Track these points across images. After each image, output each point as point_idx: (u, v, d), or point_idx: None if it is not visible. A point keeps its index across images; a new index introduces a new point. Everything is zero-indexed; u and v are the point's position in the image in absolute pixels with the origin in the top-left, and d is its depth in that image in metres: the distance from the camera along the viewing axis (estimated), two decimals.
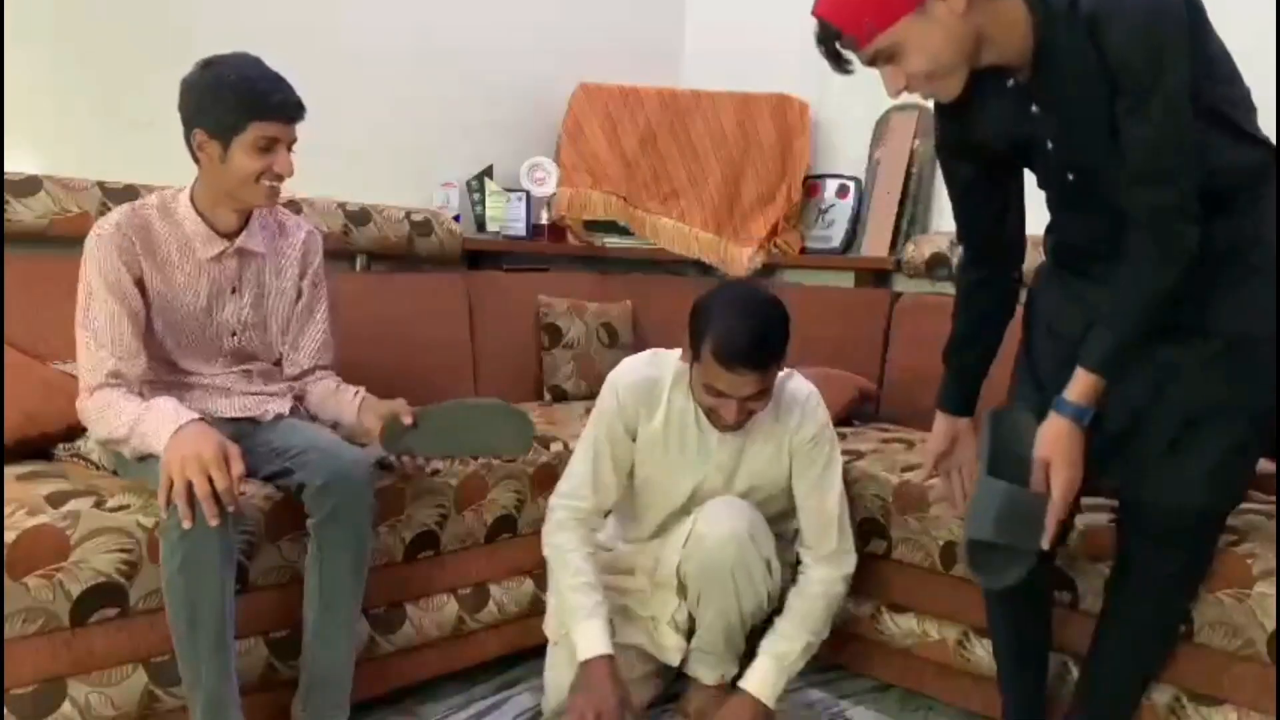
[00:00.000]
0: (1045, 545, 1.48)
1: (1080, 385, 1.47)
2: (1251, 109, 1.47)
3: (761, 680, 1.88)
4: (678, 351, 1.86)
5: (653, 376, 1.90)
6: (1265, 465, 1.87)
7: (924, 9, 1.35)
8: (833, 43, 1.41)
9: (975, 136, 1.58)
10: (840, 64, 1.44)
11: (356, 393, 1.96)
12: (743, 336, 1.67)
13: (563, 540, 1.92)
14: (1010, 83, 1.50)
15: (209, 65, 1.72)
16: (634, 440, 1.91)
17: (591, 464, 1.92)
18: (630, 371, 1.92)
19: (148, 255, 1.76)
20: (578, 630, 1.84)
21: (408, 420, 1.85)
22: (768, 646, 1.90)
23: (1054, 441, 1.48)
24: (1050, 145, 1.52)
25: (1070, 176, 1.53)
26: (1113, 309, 1.46)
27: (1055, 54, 1.42)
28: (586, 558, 1.90)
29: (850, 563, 1.95)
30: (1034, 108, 1.50)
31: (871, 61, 1.42)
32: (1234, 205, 1.45)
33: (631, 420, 1.90)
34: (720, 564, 1.85)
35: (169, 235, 1.80)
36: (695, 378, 1.78)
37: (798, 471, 1.92)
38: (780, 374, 1.83)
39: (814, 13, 1.40)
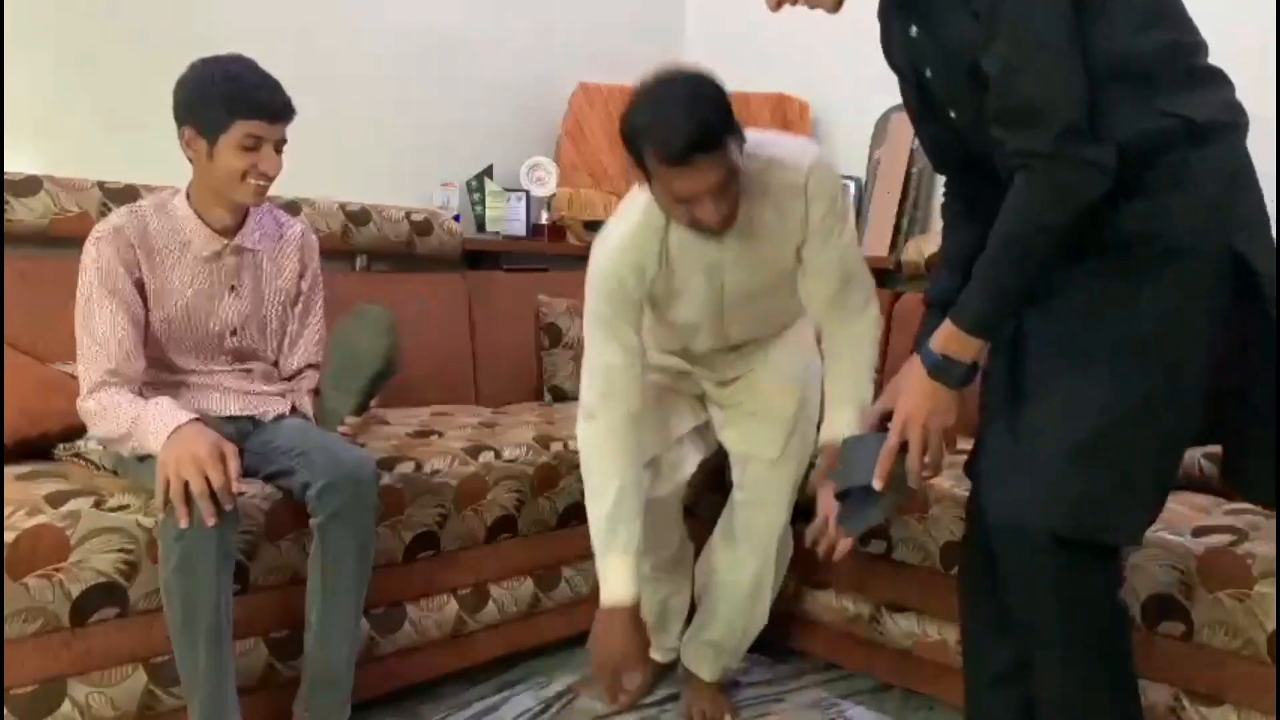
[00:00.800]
0: (876, 484, 1.39)
1: (943, 334, 1.33)
2: (1177, 75, 1.24)
3: (838, 424, 1.76)
4: (637, 198, 1.67)
5: (642, 247, 1.70)
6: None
7: None
8: None
9: (890, 57, 1.45)
10: None
11: (307, 394, 1.99)
12: (675, 124, 1.46)
13: (609, 466, 1.77)
14: None
15: (200, 65, 1.73)
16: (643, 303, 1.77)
17: (620, 357, 1.74)
18: (613, 263, 1.71)
19: (146, 256, 1.77)
20: (606, 563, 1.76)
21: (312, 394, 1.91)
22: (843, 396, 1.79)
23: (903, 380, 1.39)
24: (929, 74, 1.35)
25: (952, 114, 1.36)
26: (981, 262, 1.29)
27: None
28: (634, 485, 1.77)
29: (876, 307, 1.81)
30: (913, 29, 1.33)
31: None
32: (1138, 186, 1.23)
33: (637, 295, 1.74)
34: (744, 601, 2.01)
35: (167, 235, 1.80)
36: (659, 198, 1.58)
37: (812, 250, 1.73)
38: (761, 153, 1.64)
39: None
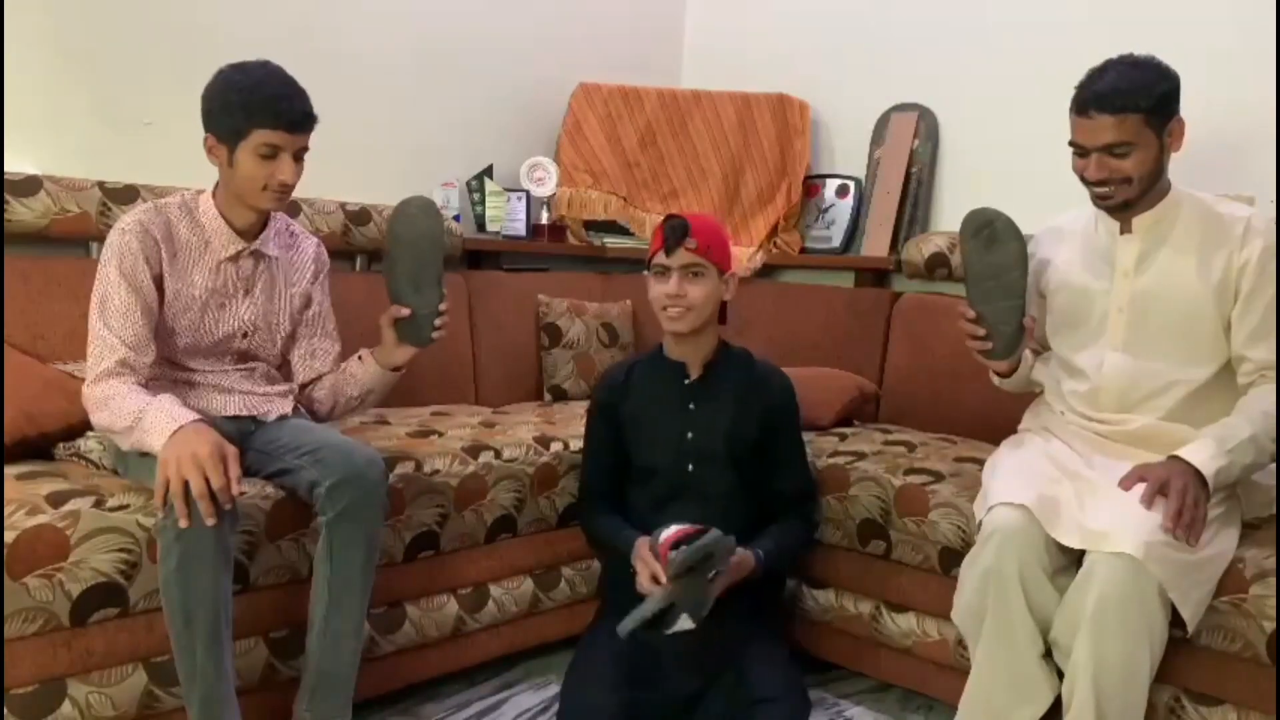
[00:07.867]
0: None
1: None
2: None
3: (1197, 449, 1.68)
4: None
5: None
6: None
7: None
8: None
9: None
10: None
11: (360, 356, 2.00)
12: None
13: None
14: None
15: (225, 71, 1.74)
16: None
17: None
18: None
19: (169, 253, 1.79)
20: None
21: (402, 314, 1.91)
22: (1208, 430, 1.72)
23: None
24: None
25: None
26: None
27: None
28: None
29: None
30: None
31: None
32: None
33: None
34: None
35: (190, 234, 1.82)
36: None
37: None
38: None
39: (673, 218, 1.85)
